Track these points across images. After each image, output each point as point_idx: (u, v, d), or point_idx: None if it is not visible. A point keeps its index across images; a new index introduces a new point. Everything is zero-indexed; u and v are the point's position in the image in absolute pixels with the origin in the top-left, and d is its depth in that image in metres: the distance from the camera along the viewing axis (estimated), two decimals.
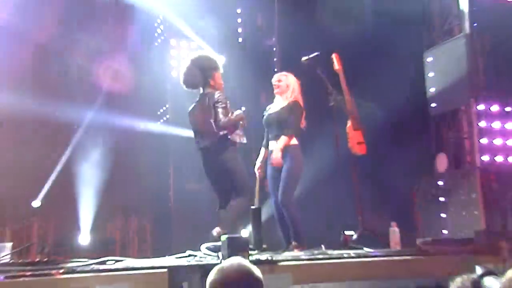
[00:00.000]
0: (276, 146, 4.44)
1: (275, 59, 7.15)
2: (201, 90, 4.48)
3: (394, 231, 4.53)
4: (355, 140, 5.01)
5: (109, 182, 6.53)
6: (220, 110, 4.25)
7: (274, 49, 7.25)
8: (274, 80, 4.70)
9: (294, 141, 4.50)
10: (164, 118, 7.31)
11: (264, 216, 4.56)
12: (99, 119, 6.50)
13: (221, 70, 4.53)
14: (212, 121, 4.29)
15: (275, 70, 6.46)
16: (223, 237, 3.59)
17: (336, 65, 5.07)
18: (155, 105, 7.31)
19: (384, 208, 6.16)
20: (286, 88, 4.62)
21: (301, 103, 4.63)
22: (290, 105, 4.55)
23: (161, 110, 7.35)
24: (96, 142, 6.56)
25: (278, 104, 4.66)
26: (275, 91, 4.70)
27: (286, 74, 4.73)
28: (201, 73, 4.41)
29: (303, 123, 4.61)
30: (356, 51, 6.10)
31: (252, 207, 4.40)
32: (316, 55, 4.72)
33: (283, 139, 4.44)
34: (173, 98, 7.01)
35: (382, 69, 6.24)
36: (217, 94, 4.33)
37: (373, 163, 5.90)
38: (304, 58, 4.76)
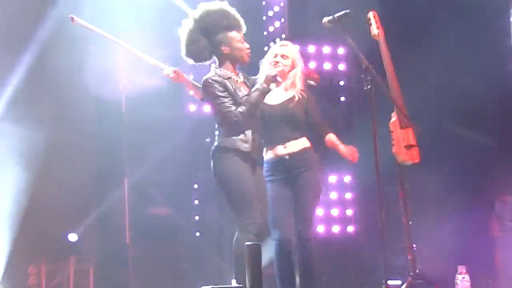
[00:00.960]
0: (337, 142, 4.45)
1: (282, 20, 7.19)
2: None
3: (463, 279, 4.58)
4: (402, 143, 5.00)
5: (29, 204, 6.49)
6: (239, 97, 4.20)
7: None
8: (275, 53, 4.60)
9: (308, 143, 4.55)
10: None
11: (265, 258, 4.56)
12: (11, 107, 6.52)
13: (244, 29, 4.41)
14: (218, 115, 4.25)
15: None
16: None
17: (375, 29, 5.09)
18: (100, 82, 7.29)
19: (447, 244, 6.17)
20: (292, 66, 4.60)
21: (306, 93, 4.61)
22: (306, 99, 4.56)
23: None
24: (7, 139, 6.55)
25: (280, 93, 4.60)
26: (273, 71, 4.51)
27: (289, 45, 4.68)
28: (205, 37, 4.35)
29: None
30: (405, 7, 6.14)
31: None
32: (345, 14, 4.61)
33: (333, 137, 4.48)
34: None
35: (445, 34, 6.25)
36: (209, 73, 4.27)
37: (430, 176, 5.94)
38: (326, 19, 4.66)
